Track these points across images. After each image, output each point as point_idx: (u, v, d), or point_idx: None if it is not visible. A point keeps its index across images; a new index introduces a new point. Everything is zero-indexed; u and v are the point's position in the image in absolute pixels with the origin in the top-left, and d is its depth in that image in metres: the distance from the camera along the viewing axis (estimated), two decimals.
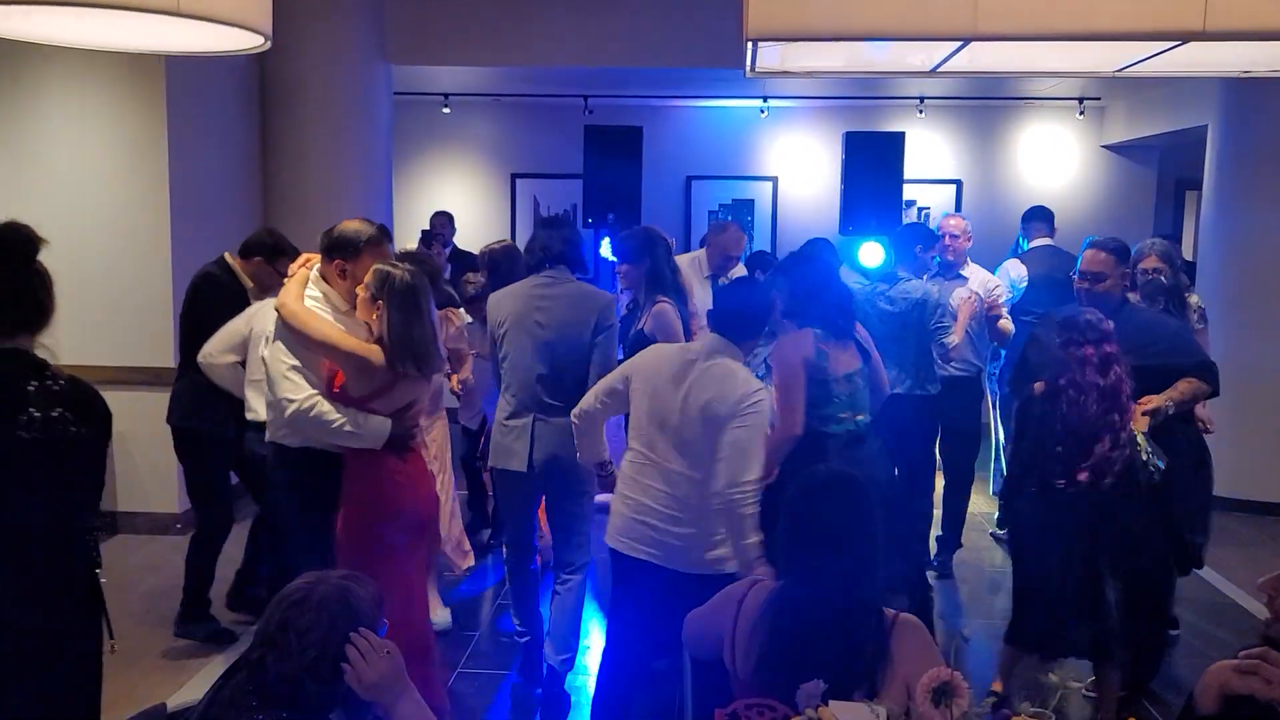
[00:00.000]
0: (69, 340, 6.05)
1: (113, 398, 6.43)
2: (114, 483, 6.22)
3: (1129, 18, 3.68)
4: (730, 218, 10.08)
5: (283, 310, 3.39)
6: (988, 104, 9.80)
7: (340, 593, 1.97)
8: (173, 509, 6.22)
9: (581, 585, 4.27)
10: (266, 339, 3.60)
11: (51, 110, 6.03)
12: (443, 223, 9.03)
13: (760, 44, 4.61)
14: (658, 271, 4.78)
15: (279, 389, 3.38)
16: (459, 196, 9.97)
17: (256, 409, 4.30)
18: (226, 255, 4.79)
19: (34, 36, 3.60)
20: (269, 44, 3.61)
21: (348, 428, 3.36)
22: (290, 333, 3.37)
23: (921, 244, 5.81)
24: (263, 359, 3.59)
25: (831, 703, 1.80)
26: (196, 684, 4.29)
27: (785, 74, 5.83)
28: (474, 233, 9.36)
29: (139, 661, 4.52)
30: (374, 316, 3.40)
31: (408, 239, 9.08)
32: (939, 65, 4.78)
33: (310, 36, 6.83)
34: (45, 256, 2.45)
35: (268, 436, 3.58)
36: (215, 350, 4.43)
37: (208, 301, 4.62)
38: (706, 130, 10.03)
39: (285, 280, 3.60)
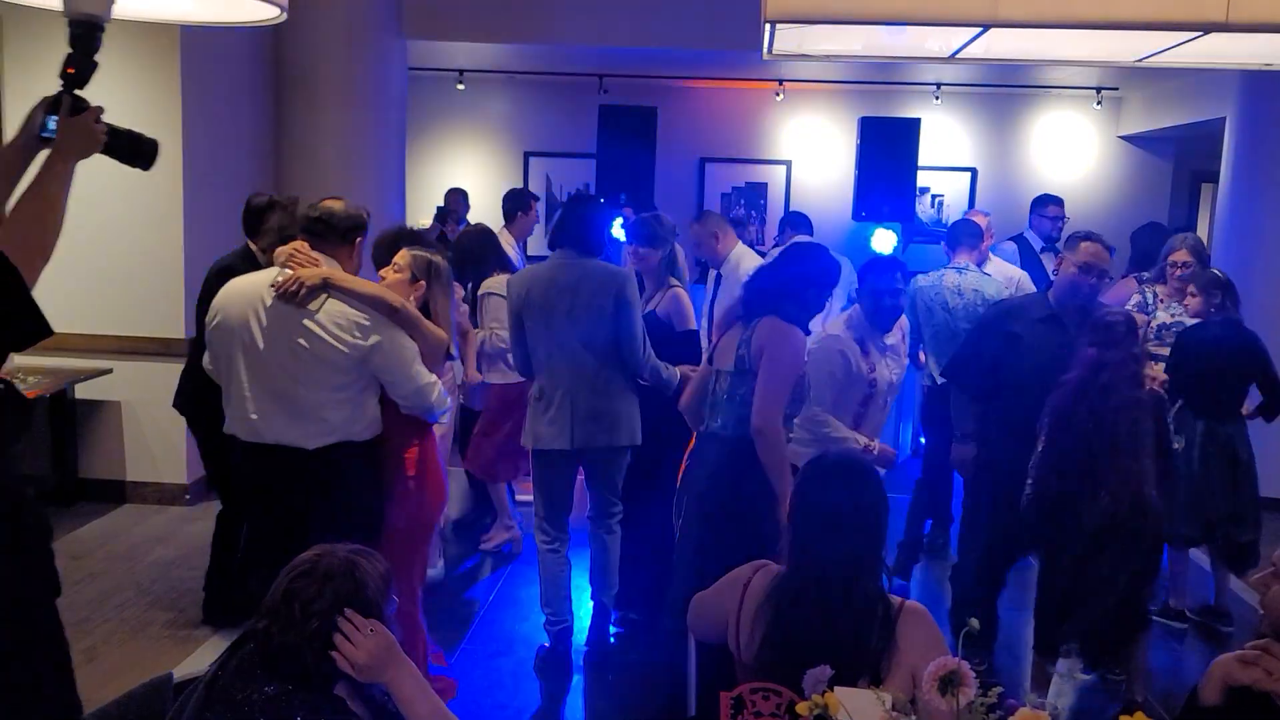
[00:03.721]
0: (79, 311, 6.12)
1: (122, 368, 6.47)
2: (123, 453, 6.24)
3: (1151, 7, 3.65)
4: (743, 201, 10.07)
5: (387, 297, 3.32)
6: (1004, 91, 9.74)
7: (346, 566, 1.97)
8: (181, 480, 6.24)
9: (618, 534, 4.47)
10: None
11: None
12: (457, 200, 9.02)
13: (778, 26, 4.59)
14: (673, 258, 4.90)
15: (422, 376, 3.32)
16: (473, 174, 9.95)
17: None
18: (251, 245, 4.62)
19: (50, 4, 3.59)
20: (285, 16, 3.60)
21: (448, 403, 3.47)
22: (393, 316, 3.31)
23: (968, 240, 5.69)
24: (376, 345, 3.30)
25: (837, 689, 1.80)
26: (203, 654, 4.31)
27: (802, 57, 5.80)
28: (487, 211, 9.33)
29: (145, 631, 4.55)
30: (410, 298, 3.43)
31: (421, 215, 9.07)
32: (957, 51, 4.76)
33: (326, 10, 6.80)
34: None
35: (359, 436, 3.38)
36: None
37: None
38: (721, 112, 9.99)
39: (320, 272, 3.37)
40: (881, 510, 2.33)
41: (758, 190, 10.16)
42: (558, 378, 4.22)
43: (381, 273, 3.57)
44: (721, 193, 10.12)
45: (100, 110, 2.37)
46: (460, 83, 9.58)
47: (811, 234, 7.16)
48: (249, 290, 3.33)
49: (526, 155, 10.10)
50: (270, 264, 4.44)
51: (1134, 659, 3.89)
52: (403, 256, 3.53)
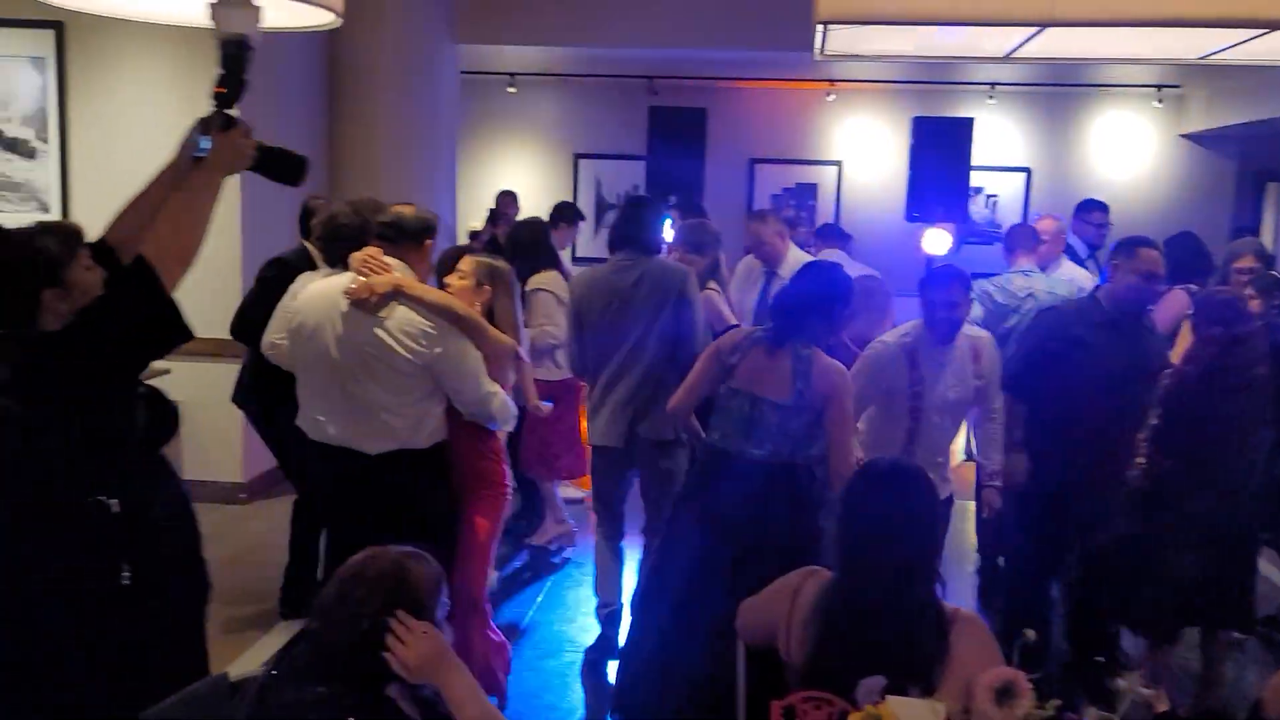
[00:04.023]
0: None
1: (180, 368, 6.55)
2: (180, 452, 6.34)
3: (1215, 3, 3.58)
4: (793, 202, 10.02)
5: (455, 305, 3.35)
6: (1061, 90, 9.60)
7: (396, 568, 1.98)
8: (238, 478, 6.33)
9: None
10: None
11: (126, 85, 6.13)
12: (507, 202, 9.06)
13: (830, 26, 4.56)
14: (716, 264, 4.98)
15: (485, 386, 3.34)
16: (523, 176, 10.00)
17: None
18: (306, 244, 4.65)
19: (110, 11, 3.65)
20: (340, 21, 3.64)
21: (513, 411, 3.49)
22: (460, 324, 3.33)
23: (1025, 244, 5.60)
24: (441, 354, 3.30)
25: (891, 698, 1.77)
26: (257, 653, 4.36)
27: (854, 57, 5.78)
28: (537, 213, 9.37)
29: None
30: (476, 304, 3.47)
31: (472, 218, 9.13)
32: (1013, 50, 4.70)
33: (380, 15, 6.87)
34: None
35: (419, 444, 3.40)
36: (274, 336, 4.31)
37: (272, 290, 4.53)
38: (771, 113, 9.95)
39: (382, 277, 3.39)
40: (933, 517, 2.30)
41: (808, 191, 10.11)
42: (616, 376, 4.26)
43: (446, 280, 3.60)
44: (771, 194, 10.08)
45: (250, 127, 2.44)
46: (511, 86, 9.63)
47: (845, 246, 7.07)
48: (330, 294, 3.38)
49: (576, 157, 10.14)
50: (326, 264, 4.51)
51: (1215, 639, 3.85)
52: (467, 263, 3.58)
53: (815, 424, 3.44)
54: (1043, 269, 5.54)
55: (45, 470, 2.33)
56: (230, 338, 4.76)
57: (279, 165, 2.54)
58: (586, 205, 9.99)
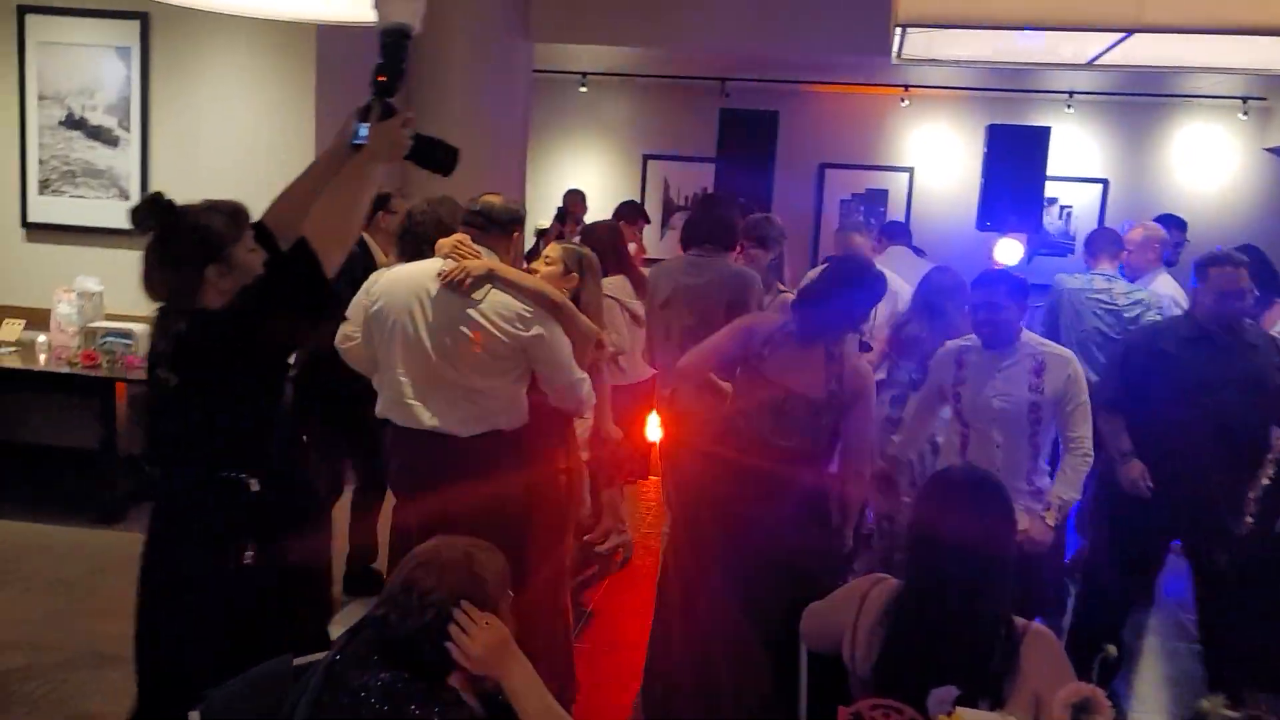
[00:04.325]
0: None
1: None
2: None
3: None
4: (862, 208, 9.92)
5: (548, 290, 3.38)
6: (1142, 100, 9.39)
7: (464, 559, 1.99)
8: None
9: None
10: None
11: (207, 75, 6.25)
12: (575, 201, 9.09)
13: (908, 30, 4.51)
14: (780, 262, 4.97)
15: (575, 370, 3.37)
16: (591, 176, 10.02)
17: None
18: (365, 234, 4.70)
19: (201, 4, 3.72)
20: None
21: (594, 399, 3.52)
22: (553, 308, 3.36)
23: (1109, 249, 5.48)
24: (537, 336, 3.32)
25: (964, 710, 1.74)
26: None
27: (932, 62, 5.70)
28: (605, 213, 9.40)
29: None
30: (564, 290, 3.50)
31: (540, 216, 9.17)
32: (1096, 57, 4.61)
33: (454, 12, 6.91)
34: None
35: (508, 425, 3.41)
36: (351, 330, 4.32)
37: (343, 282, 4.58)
38: (843, 117, 9.86)
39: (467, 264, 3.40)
40: (1007, 529, 2.24)
41: (878, 197, 10.00)
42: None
43: (533, 266, 3.63)
44: (840, 199, 9.99)
45: (408, 116, 2.49)
46: (583, 85, 9.65)
47: (910, 243, 6.96)
48: (413, 279, 3.39)
49: (645, 158, 10.13)
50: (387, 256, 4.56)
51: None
52: (554, 249, 3.62)
53: (840, 420, 3.43)
54: (1132, 279, 5.42)
55: (194, 442, 2.42)
56: None
57: (432, 155, 2.57)
58: (654, 206, 9.99)
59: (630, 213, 7.29)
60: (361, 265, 4.55)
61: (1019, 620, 2.22)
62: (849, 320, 3.51)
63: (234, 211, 2.47)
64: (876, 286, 3.55)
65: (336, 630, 4.02)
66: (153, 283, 2.44)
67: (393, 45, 2.50)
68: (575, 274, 3.61)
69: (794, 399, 3.41)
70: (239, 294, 2.39)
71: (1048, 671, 2.10)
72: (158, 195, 2.47)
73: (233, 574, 2.40)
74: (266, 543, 2.43)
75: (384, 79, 2.50)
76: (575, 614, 4.90)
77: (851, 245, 5.70)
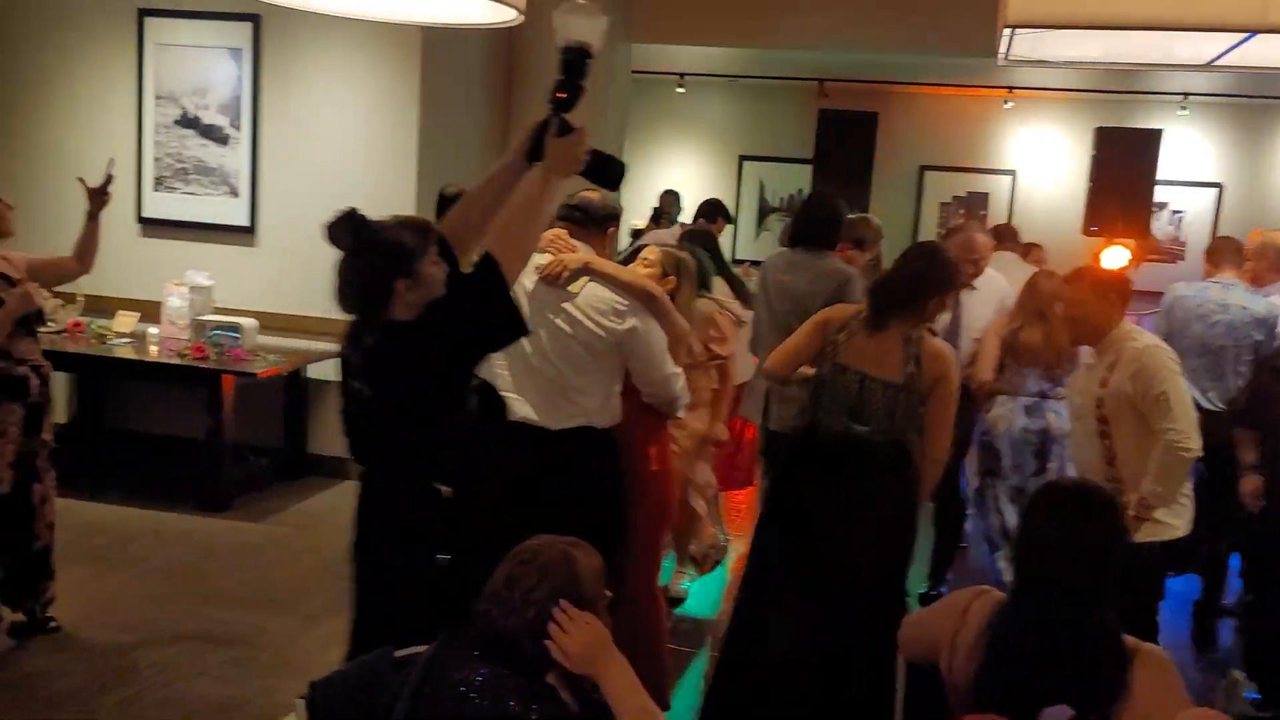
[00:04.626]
0: (316, 296, 6.45)
1: None
2: None
3: None
4: (962, 211, 9.74)
5: (645, 283, 3.40)
6: (1260, 103, 9.06)
7: (564, 558, 2.00)
8: None
9: None
10: None
11: (316, 77, 6.39)
12: (670, 201, 9.10)
13: (1017, 31, 4.41)
14: (878, 262, 4.94)
15: (670, 365, 3.39)
16: (687, 176, 10.01)
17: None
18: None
19: (304, 5, 3.81)
20: (522, 18, 3.71)
21: (688, 397, 3.52)
22: (649, 302, 3.38)
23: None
24: (632, 330, 3.33)
25: None
26: None
27: (1039, 63, 5.56)
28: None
29: None
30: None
31: (636, 216, 9.19)
32: (1216, 58, 4.45)
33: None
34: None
35: (601, 423, 3.41)
36: None
37: None
38: (944, 119, 9.71)
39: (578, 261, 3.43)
40: (1118, 544, 2.18)
41: (978, 200, 9.83)
42: None
43: (631, 267, 3.64)
44: (940, 202, 9.84)
45: (585, 132, 2.54)
46: (680, 85, 9.66)
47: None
48: None
49: (741, 159, 10.10)
50: None
51: None
52: (652, 252, 3.62)
53: (919, 405, 3.39)
54: (1261, 290, 5.21)
55: (389, 452, 2.50)
56: None
57: (603, 170, 2.64)
58: (749, 207, 9.97)
59: (711, 211, 7.27)
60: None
61: (1129, 639, 2.15)
62: (912, 300, 3.44)
63: (421, 226, 2.53)
64: (944, 270, 3.50)
65: None
66: (345, 296, 2.51)
67: (574, 62, 2.55)
68: (672, 277, 3.60)
69: (872, 383, 3.39)
70: (428, 308, 2.45)
71: (1161, 695, 2.03)
72: (352, 211, 2.53)
73: (433, 576, 2.46)
74: (459, 546, 2.49)
75: (563, 95, 2.55)
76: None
77: (974, 245, 5.54)
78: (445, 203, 4.75)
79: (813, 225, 4.46)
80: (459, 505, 2.50)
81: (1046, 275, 4.91)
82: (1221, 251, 5.21)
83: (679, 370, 3.39)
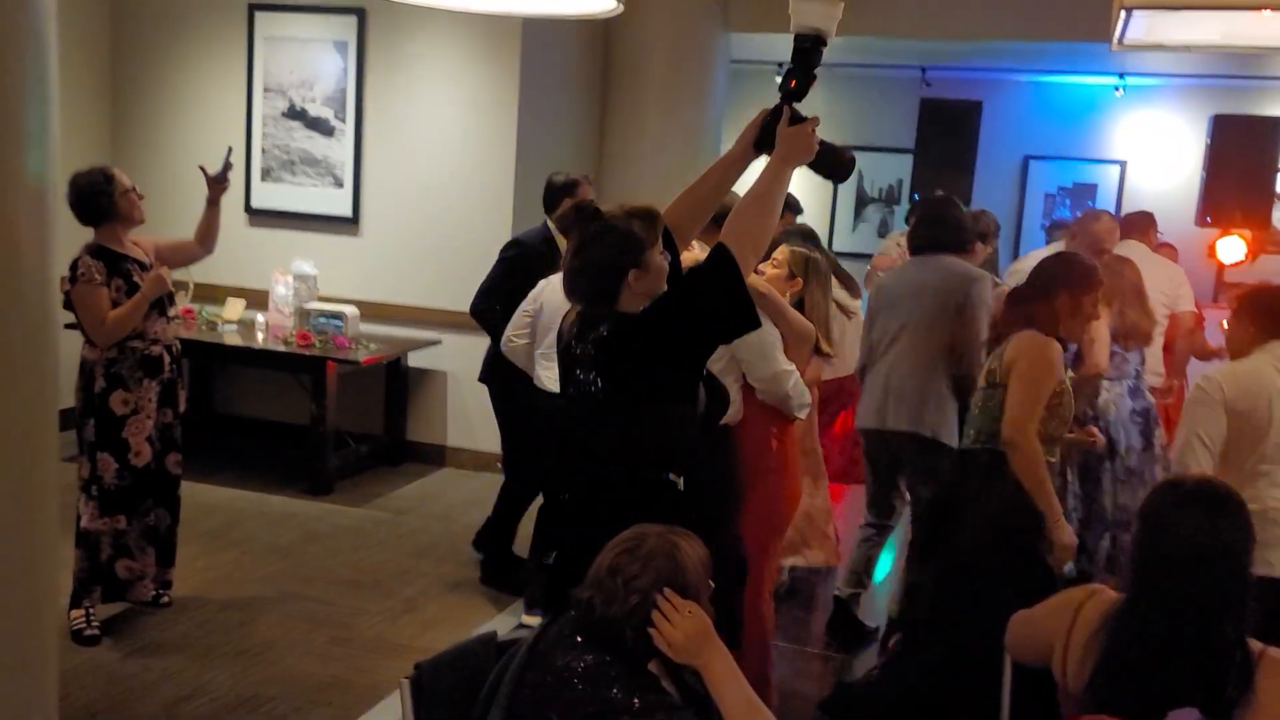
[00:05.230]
0: (417, 286, 6.58)
1: (449, 339, 6.86)
2: (445, 420, 6.68)
3: None
4: (1069, 202, 9.48)
5: (751, 279, 3.41)
6: None
7: (668, 547, 1.99)
8: (495, 449, 6.57)
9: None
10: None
11: (419, 70, 6.48)
12: None
13: (1133, 13, 4.26)
14: (994, 258, 4.74)
15: (780, 363, 3.37)
16: None
17: (542, 378, 4.22)
18: (550, 222, 4.77)
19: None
20: (620, 9, 3.71)
21: (807, 398, 3.49)
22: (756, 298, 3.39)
23: None
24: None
25: None
26: (508, 616, 4.54)
27: (1155, 47, 5.36)
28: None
29: (459, 588, 4.84)
30: (787, 294, 3.49)
31: None
32: None
33: (655, 3, 6.96)
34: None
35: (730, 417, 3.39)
36: (512, 334, 4.37)
37: (513, 271, 4.66)
38: (1050, 108, 9.45)
39: None
40: (1247, 545, 2.08)
41: (1085, 192, 9.55)
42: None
43: (760, 267, 3.60)
44: (1045, 192, 9.60)
45: (817, 122, 2.51)
46: (779, 75, 9.57)
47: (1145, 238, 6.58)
48: None
49: None
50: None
51: None
52: (782, 252, 3.59)
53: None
54: None
55: (621, 445, 2.47)
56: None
57: (832, 162, 2.59)
58: (847, 199, 9.83)
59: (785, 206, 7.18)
60: (546, 261, 4.54)
61: (1254, 643, 2.06)
62: (1050, 312, 3.39)
63: (649, 215, 2.49)
64: (1088, 277, 3.45)
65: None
66: (577, 286, 2.50)
67: (807, 50, 2.51)
68: (799, 279, 3.57)
69: None
70: (660, 299, 2.43)
71: None
72: (585, 203, 2.54)
73: None
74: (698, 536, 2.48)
75: (794, 84, 2.51)
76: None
77: (1093, 231, 5.34)
78: (554, 191, 4.75)
79: (939, 231, 4.37)
80: (690, 496, 2.47)
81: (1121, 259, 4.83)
82: None
83: (790, 368, 3.34)
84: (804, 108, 2.57)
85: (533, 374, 4.30)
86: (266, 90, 6.65)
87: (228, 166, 4.29)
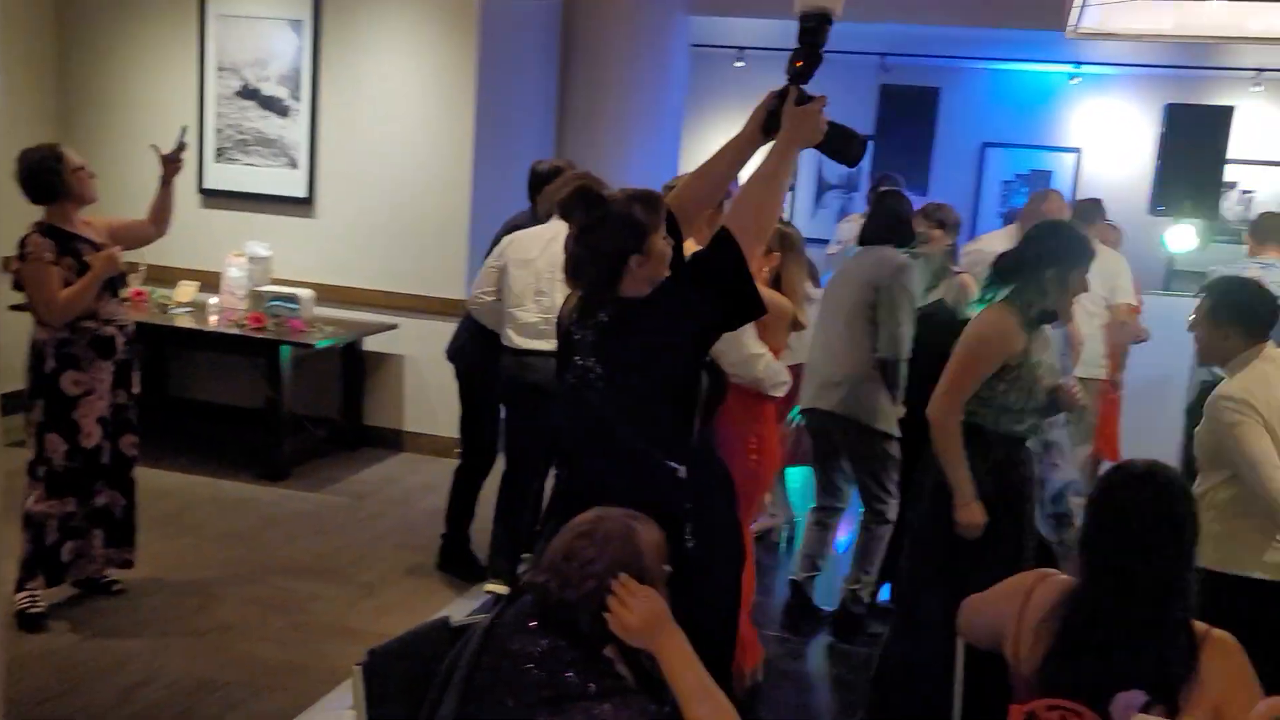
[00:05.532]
0: (374, 269, 6.52)
1: (407, 324, 6.81)
2: (403, 404, 6.64)
3: None
4: (1025, 190, 9.56)
5: None
6: None
7: (625, 530, 1.99)
8: (454, 434, 6.53)
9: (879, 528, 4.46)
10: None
11: (375, 50, 6.40)
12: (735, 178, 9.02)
13: (1087, 2, 4.31)
14: (957, 250, 5.05)
15: (750, 346, 3.38)
16: None
17: (511, 336, 4.28)
18: (535, 207, 4.66)
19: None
20: None
21: (782, 377, 3.48)
22: None
23: None
24: None
25: (1141, 717, 1.65)
26: (466, 601, 4.52)
27: (1109, 36, 5.43)
28: None
29: (416, 572, 4.81)
30: (764, 269, 3.47)
31: None
32: None
33: None
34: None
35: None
36: (479, 291, 4.41)
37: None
38: (1007, 95, 9.51)
39: None
40: (1194, 527, 2.12)
41: (1041, 179, 9.62)
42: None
43: None
44: (1002, 179, 9.66)
45: (825, 101, 2.46)
46: (740, 60, 9.56)
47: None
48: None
49: None
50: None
51: None
52: None
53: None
54: None
55: (623, 432, 2.40)
56: (455, 298, 4.89)
57: (841, 143, 2.52)
58: (807, 185, 9.84)
59: None
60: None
61: (1199, 625, 2.10)
62: (1036, 287, 3.31)
63: (652, 200, 2.45)
64: (1073, 250, 3.35)
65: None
66: (578, 271, 2.45)
67: (813, 30, 2.46)
68: (776, 252, 3.57)
69: None
70: (663, 285, 2.39)
71: (1231, 683, 1.98)
72: (585, 187, 2.48)
73: (678, 559, 2.33)
74: (699, 524, 2.43)
75: (801, 64, 2.46)
76: None
77: (1043, 211, 5.37)
78: (538, 179, 4.67)
79: (887, 225, 4.53)
80: (692, 484, 2.43)
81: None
82: (1268, 230, 5.03)
83: (761, 350, 3.34)
84: None
85: (501, 333, 4.30)
86: (220, 69, 6.55)
87: (181, 146, 4.22)
